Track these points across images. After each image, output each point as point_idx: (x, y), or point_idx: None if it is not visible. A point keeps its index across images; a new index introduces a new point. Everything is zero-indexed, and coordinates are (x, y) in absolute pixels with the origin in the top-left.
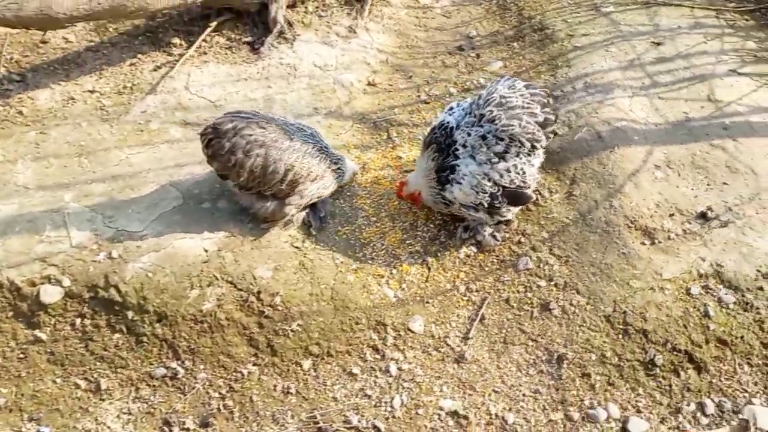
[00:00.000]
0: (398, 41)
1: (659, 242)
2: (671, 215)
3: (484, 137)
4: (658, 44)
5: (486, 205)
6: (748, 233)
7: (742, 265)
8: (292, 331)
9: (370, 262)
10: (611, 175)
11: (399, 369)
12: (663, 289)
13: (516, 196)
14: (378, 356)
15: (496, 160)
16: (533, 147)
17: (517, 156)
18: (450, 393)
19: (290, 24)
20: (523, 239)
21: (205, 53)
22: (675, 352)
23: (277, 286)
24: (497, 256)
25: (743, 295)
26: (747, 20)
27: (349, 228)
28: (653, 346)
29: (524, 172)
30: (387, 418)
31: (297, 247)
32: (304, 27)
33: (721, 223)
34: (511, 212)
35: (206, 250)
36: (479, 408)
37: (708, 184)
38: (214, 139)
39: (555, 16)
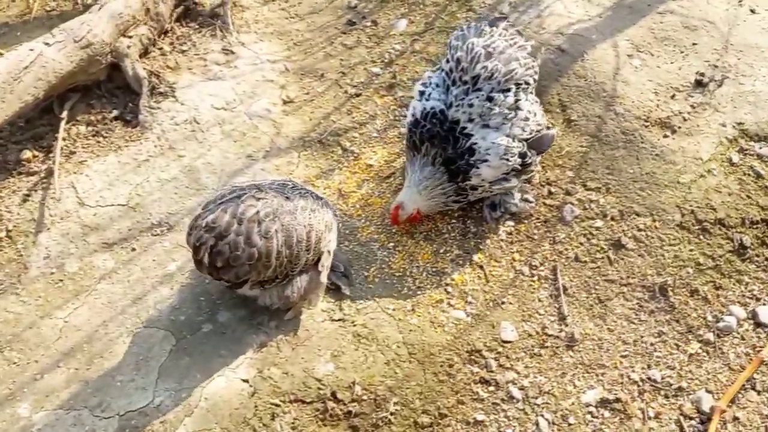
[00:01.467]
0: (282, 43)
1: (679, 128)
2: (672, 96)
3: (490, 98)
4: None
5: (519, 168)
6: (744, 81)
7: (758, 114)
8: (391, 414)
9: (419, 293)
10: (597, 83)
11: (521, 389)
12: (710, 172)
13: (541, 141)
14: (492, 388)
15: (512, 114)
16: (534, 81)
17: (526, 99)
18: (585, 384)
19: (156, 75)
20: (552, 189)
21: (73, 153)
22: (754, 226)
23: (348, 375)
24: (538, 219)
25: None
26: None
27: (375, 267)
28: (734, 231)
29: (536, 113)
30: None
31: (340, 320)
32: (173, 72)
33: (718, 82)
34: (537, 163)
35: (246, 380)
36: (622, 382)
37: (681, 52)
38: (216, 245)
39: None
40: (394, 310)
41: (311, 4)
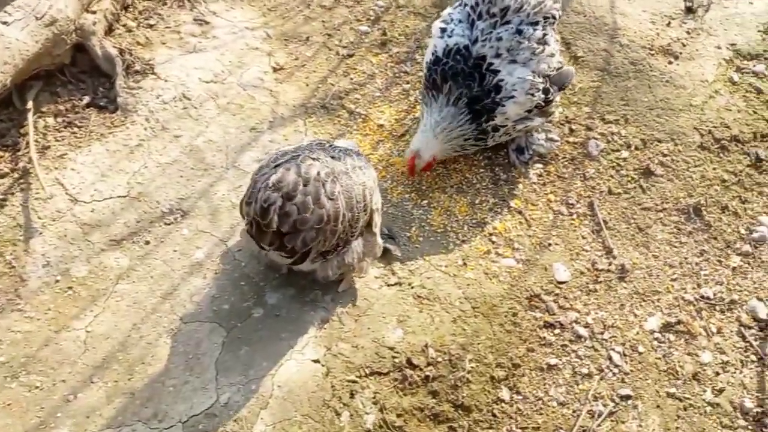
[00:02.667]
0: (256, 9)
1: (681, 54)
2: (668, 24)
3: (519, 31)
4: None
5: (542, 104)
6: (728, 4)
7: (746, 34)
8: (468, 372)
9: (466, 246)
10: (596, 18)
11: (586, 326)
12: (717, 92)
13: (562, 78)
14: (558, 330)
15: (540, 48)
16: (559, 15)
17: (552, 34)
18: (644, 312)
19: (128, 53)
20: (573, 127)
21: (47, 148)
22: (764, 138)
23: (419, 339)
24: (564, 157)
25: (765, 58)
26: None
27: (416, 227)
28: (749, 146)
29: (558, 50)
30: (623, 380)
31: (397, 284)
32: (145, 48)
33: (705, 8)
34: (558, 100)
35: (317, 360)
36: (678, 305)
37: None
38: (284, 207)
39: None
40: (446, 266)
41: None
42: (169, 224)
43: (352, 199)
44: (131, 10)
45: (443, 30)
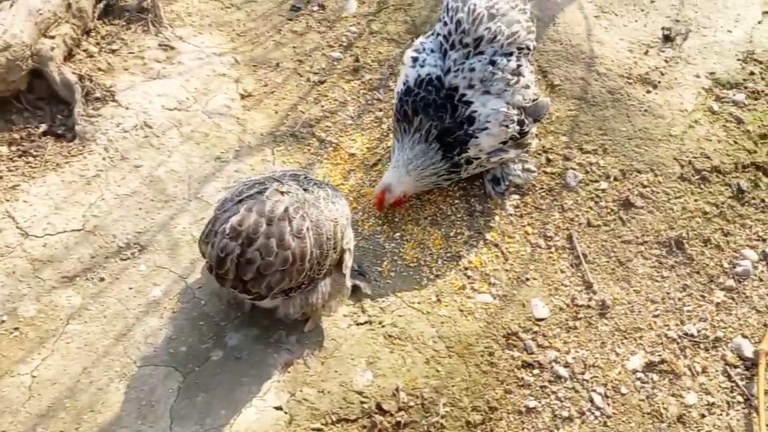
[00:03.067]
0: (224, 34)
1: (659, 82)
2: (646, 53)
3: (493, 62)
4: None
5: (518, 136)
6: (707, 33)
7: (725, 63)
8: (442, 417)
9: (441, 281)
10: (573, 46)
11: (566, 366)
12: (697, 122)
13: (537, 109)
14: (537, 371)
15: (515, 79)
16: (533, 46)
17: (527, 65)
18: (626, 350)
19: (88, 79)
20: (550, 156)
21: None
22: (746, 170)
23: (390, 382)
24: (542, 188)
25: (745, 87)
26: None
27: (387, 261)
28: (730, 177)
29: (533, 81)
30: (605, 424)
31: (367, 323)
32: (107, 74)
33: (683, 36)
34: (534, 132)
35: (279, 408)
36: (661, 343)
37: (642, 10)
38: (244, 253)
39: None
40: (419, 303)
41: None
42: (125, 260)
43: (322, 236)
44: (93, 34)
45: (415, 59)
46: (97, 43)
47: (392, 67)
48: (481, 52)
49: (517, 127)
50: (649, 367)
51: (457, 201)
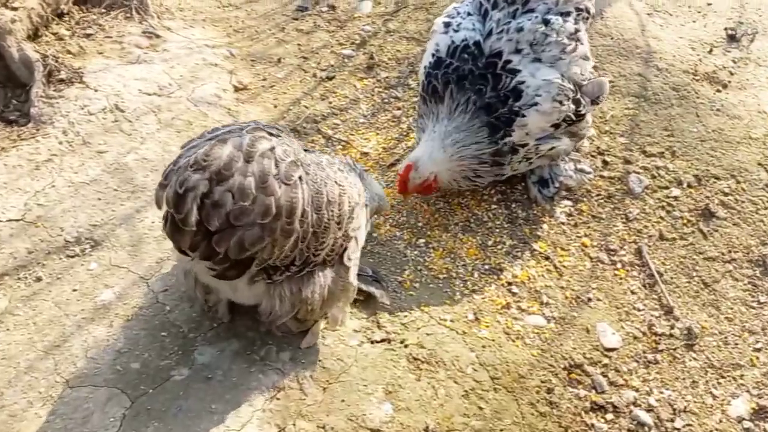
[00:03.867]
0: (220, 30)
1: (729, 82)
2: (710, 51)
3: (546, 22)
4: None
5: (573, 118)
6: None
7: None
8: None
9: (478, 296)
10: (625, 40)
11: (649, 410)
12: None
13: (596, 88)
14: (611, 415)
15: (572, 45)
16: (593, 11)
17: (585, 32)
18: (725, 392)
19: (54, 59)
20: (607, 159)
21: None
22: None
23: (417, 419)
24: (599, 194)
25: None
26: None
27: (410, 270)
28: None
29: (588, 55)
30: None
31: (384, 341)
32: (77, 57)
33: (750, 37)
34: (590, 119)
35: None
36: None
37: (699, 12)
38: (212, 190)
39: None
40: (452, 321)
41: None
42: (72, 256)
43: (322, 195)
44: (66, 19)
45: (447, 25)
46: (70, 28)
47: (412, 65)
48: (531, 10)
49: (573, 107)
50: (759, 414)
51: (494, 206)
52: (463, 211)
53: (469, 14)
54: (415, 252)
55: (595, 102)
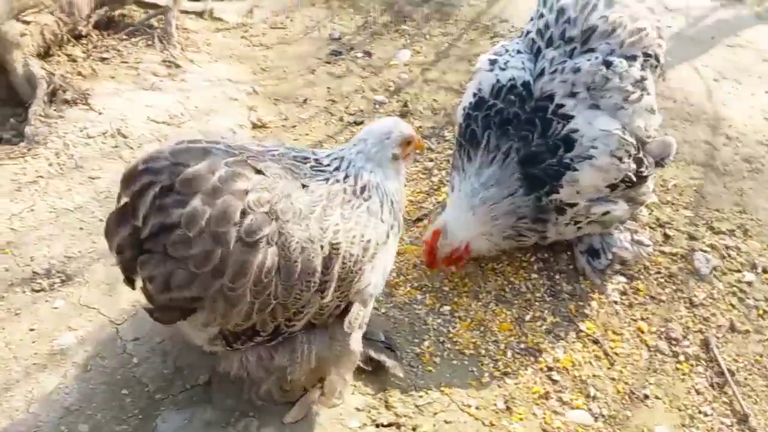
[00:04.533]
0: (246, 67)
1: None
2: None
3: (608, 63)
4: None
5: (633, 180)
6: None
7: None
8: None
9: (511, 381)
10: (690, 104)
11: None
12: None
13: (662, 148)
14: None
15: (636, 94)
16: (662, 59)
17: (652, 81)
18: None
19: (62, 79)
20: (669, 232)
21: None
22: None
23: None
24: (659, 272)
25: None
26: None
27: (430, 341)
28: None
29: (655, 108)
30: None
31: (393, 425)
32: (87, 80)
33: None
34: (653, 183)
35: None
36: None
37: (759, 77)
38: (171, 188)
39: None
40: (477, 408)
41: (281, 37)
42: (37, 291)
43: (294, 263)
44: (84, 41)
45: (493, 62)
46: (86, 51)
47: (449, 115)
48: (592, 50)
49: (633, 166)
50: None
51: (534, 275)
52: (497, 277)
53: (518, 52)
54: (438, 320)
55: (659, 164)
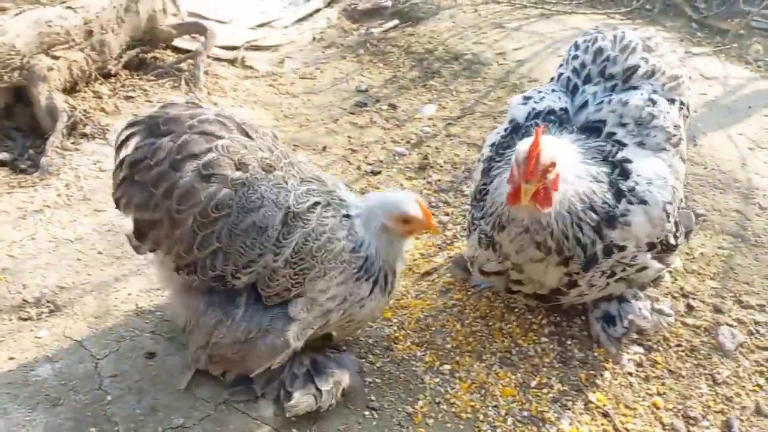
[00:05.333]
0: (269, 113)
1: None
2: None
3: (653, 101)
4: None
5: (670, 242)
6: None
7: None
8: None
9: None
10: (721, 171)
11: None
12: None
13: (688, 219)
14: None
15: (677, 137)
16: (686, 121)
17: (684, 131)
18: None
19: (83, 113)
20: (692, 303)
21: None
22: None
23: None
24: (679, 345)
25: None
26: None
27: (427, 402)
28: None
29: (685, 158)
30: None
31: None
32: (109, 116)
33: None
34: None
35: None
36: None
37: None
38: (146, 139)
39: (460, 42)
40: None
41: (308, 87)
42: (24, 319)
43: (248, 215)
44: (113, 81)
45: (527, 98)
46: (113, 89)
47: (469, 170)
48: (635, 87)
49: (673, 228)
50: None
51: (544, 339)
52: (504, 338)
53: (553, 90)
54: (436, 379)
55: (686, 234)
